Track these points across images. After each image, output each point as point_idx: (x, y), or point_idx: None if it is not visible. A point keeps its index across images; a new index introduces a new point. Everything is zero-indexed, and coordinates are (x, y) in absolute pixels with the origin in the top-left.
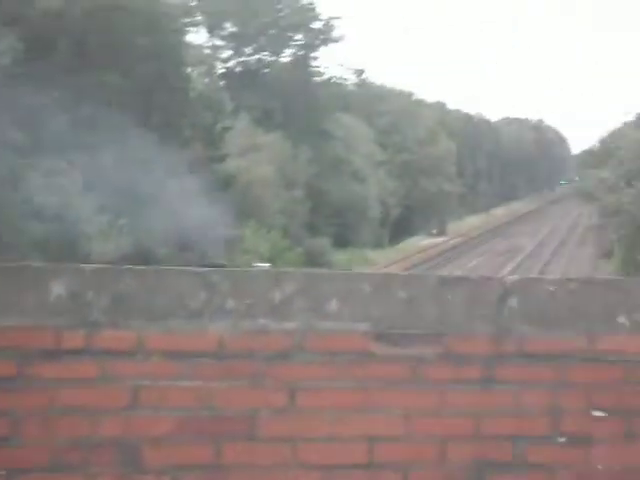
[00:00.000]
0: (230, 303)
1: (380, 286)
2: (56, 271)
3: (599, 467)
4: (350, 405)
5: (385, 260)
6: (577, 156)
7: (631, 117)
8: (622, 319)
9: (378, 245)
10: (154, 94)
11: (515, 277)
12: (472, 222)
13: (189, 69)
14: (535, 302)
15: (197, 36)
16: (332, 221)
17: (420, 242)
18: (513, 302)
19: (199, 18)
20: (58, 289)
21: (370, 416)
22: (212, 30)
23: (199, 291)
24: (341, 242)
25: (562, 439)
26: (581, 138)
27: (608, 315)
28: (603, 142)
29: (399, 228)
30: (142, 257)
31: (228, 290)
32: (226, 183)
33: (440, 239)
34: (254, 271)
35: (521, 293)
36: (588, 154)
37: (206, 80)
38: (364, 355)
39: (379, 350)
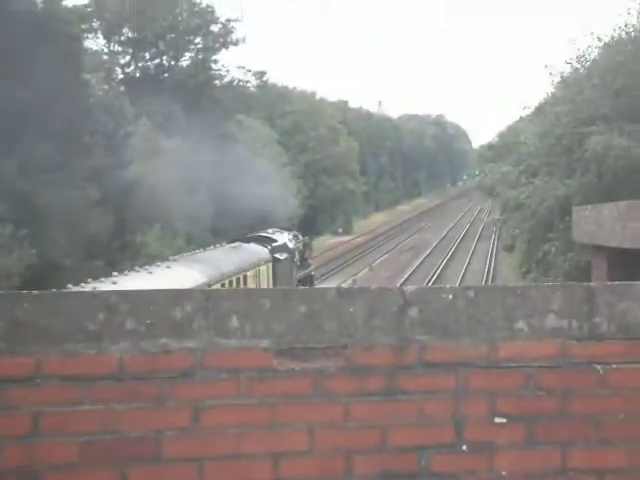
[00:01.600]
0: (130, 324)
1: (280, 301)
2: None
3: (503, 473)
4: (254, 422)
5: None
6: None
7: (528, 111)
8: (521, 325)
9: None
10: (52, 102)
11: (414, 287)
12: (377, 219)
13: (88, 75)
14: (435, 311)
15: (95, 42)
16: (237, 224)
17: (326, 241)
18: (413, 312)
19: (96, 24)
20: None
21: (275, 432)
22: (110, 36)
23: (98, 313)
24: None
25: (465, 447)
26: (484, 132)
27: (507, 321)
28: (501, 136)
29: (304, 228)
30: (47, 268)
31: (127, 310)
32: (129, 190)
33: (346, 238)
34: (153, 291)
35: (420, 303)
36: (487, 148)
37: (105, 87)
38: (267, 371)
39: (281, 365)
